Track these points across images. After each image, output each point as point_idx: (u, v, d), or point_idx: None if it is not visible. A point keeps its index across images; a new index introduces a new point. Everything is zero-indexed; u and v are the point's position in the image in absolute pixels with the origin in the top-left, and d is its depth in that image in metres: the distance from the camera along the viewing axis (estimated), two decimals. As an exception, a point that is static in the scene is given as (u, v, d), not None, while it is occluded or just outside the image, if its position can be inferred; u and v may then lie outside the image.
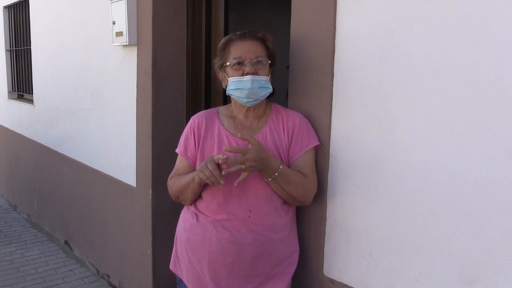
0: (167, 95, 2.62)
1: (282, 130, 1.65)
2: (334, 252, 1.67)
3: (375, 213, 1.53)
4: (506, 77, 1.20)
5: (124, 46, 2.77)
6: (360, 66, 1.54)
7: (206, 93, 2.72)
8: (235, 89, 1.58)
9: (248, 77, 1.55)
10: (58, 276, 3.48)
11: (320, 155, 1.68)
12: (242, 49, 1.57)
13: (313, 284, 1.75)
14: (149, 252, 2.73)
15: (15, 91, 5.11)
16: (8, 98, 5.14)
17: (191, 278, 1.66)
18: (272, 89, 1.62)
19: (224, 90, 1.67)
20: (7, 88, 5.17)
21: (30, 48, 4.41)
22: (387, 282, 1.51)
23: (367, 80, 1.53)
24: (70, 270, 3.58)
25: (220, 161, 1.44)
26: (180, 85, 2.66)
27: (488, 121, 1.24)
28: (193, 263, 1.64)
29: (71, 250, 3.84)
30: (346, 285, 1.63)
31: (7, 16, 5.07)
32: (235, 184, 1.48)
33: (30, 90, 4.55)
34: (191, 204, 1.69)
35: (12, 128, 5.04)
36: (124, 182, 2.97)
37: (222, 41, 1.64)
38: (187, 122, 1.77)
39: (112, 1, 2.73)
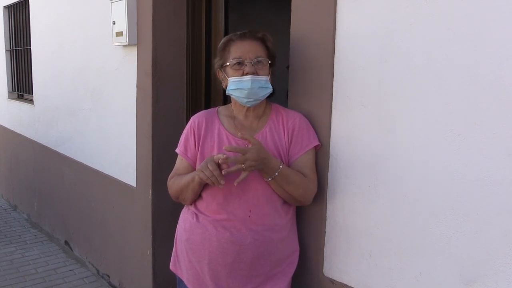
0: (167, 95, 2.62)
1: (282, 130, 1.65)
2: (334, 252, 1.68)
3: (375, 213, 1.53)
4: (506, 77, 1.20)
5: (124, 46, 2.77)
6: (360, 66, 1.54)
7: (206, 93, 2.72)
8: (235, 89, 1.58)
9: (248, 77, 1.55)
10: (58, 276, 3.48)
11: (320, 155, 1.68)
12: (242, 49, 1.57)
13: (313, 284, 1.75)
14: (149, 252, 2.73)
15: (15, 91, 5.11)
16: (8, 98, 5.14)
17: (191, 278, 1.66)
18: (272, 89, 1.62)
19: (224, 90, 1.67)
20: (7, 88, 5.17)
21: (30, 48, 4.41)
22: (387, 282, 1.51)
23: (367, 80, 1.53)
24: (70, 270, 3.58)
25: (220, 161, 1.44)
26: (180, 85, 2.66)
27: (488, 121, 1.24)
28: (193, 263, 1.64)
29: (71, 250, 3.84)
30: (346, 285, 1.63)
31: (7, 16, 5.07)
32: (235, 184, 1.48)
33: (30, 90, 4.55)
34: (191, 204, 1.69)
35: (12, 128, 5.04)
36: (124, 182, 2.97)
37: (222, 41, 1.64)
38: (187, 122, 1.77)
39: (112, 1, 2.73)
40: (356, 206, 1.59)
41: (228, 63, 1.59)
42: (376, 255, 1.54)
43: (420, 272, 1.42)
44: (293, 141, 1.63)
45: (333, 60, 1.62)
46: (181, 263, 1.72)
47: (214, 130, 1.66)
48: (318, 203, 1.69)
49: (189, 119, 1.74)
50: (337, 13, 1.60)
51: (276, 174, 1.52)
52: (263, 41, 1.61)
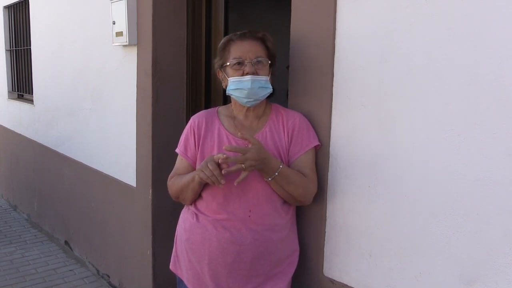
0: (167, 95, 2.62)
1: (282, 130, 1.65)
2: (334, 252, 1.67)
3: (375, 213, 1.53)
4: (506, 77, 1.20)
5: (124, 46, 2.77)
6: (360, 66, 1.54)
7: (206, 93, 2.72)
8: (235, 89, 1.58)
9: (248, 77, 1.55)
10: (58, 276, 3.48)
11: (320, 155, 1.68)
12: (242, 49, 1.57)
13: (313, 284, 1.75)
14: (149, 252, 2.73)
15: (15, 91, 5.11)
16: (8, 98, 5.14)
17: (191, 278, 1.66)
18: (272, 89, 1.62)
19: (224, 90, 1.67)
20: (7, 88, 5.17)
21: (30, 48, 4.41)
22: (387, 282, 1.51)
23: (367, 80, 1.53)
24: (70, 270, 3.58)
25: (220, 161, 1.44)
26: (180, 85, 2.66)
27: (488, 121, 1.24)
28: (193, 263, 1.64)
29: (71, 250, 3.84)
30: (346, 285, 1.63)
31: (7, 16, 5.07)
32: (235, 184, 1.48)
33: (30, 90, 4.55)
34: (191, 204, 1.69)
35: (12, 128, 5.04)
36: (124, 182, 2.97)
37: (222, 41, 1.64)
38: (187, 122, 1.77)
39: (112, 1, 2.73)
40: (356, 206, 1.59)
41: (228, 63, 1.59)
42: (376, 255, 1.54)
43: (420, 272, 1.42)
44: (293, 141, 1.63)
45: (333, 60, 1.62)
46: (181, 263, 1.72)
47: (214, 130, 1.66)
48: (318, 203, 1.69)
49: (189, 119, 1.74)
50: (337, 13, 1.60)
51: (276, 174, 1.52)
52: (263, 41, 1.61)
